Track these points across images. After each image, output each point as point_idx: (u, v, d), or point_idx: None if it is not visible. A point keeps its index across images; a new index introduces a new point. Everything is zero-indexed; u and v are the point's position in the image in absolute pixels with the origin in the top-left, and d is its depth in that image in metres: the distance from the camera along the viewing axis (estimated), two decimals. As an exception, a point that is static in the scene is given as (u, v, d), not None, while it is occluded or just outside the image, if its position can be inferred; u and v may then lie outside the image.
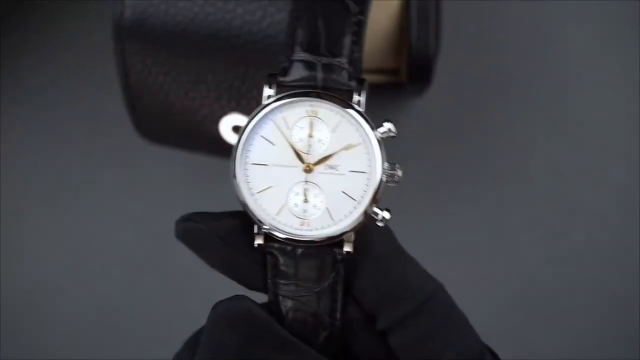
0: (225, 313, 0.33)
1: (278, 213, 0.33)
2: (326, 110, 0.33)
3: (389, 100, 0.63)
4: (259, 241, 0.33)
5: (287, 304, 0.33)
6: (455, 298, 0.34)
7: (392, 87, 0.62)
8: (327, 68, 0.33)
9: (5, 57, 0.65)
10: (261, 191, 0.33)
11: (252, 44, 0.51)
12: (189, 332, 0.59)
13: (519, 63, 0.66)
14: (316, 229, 0.32)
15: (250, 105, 0.54)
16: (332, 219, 0.32)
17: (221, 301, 0.34)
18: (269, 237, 0.33)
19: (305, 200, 0.33)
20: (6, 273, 0.60)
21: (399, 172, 0.33)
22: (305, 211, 0.32)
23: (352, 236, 0.32)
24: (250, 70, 0.52)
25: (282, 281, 0.33)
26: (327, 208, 0.32)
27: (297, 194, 0.32)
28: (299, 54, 0.33)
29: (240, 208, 0.33)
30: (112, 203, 0.62)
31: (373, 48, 0.59)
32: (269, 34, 0.51)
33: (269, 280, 0.33)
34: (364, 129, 0.33)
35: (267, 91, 0.33)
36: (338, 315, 0.33)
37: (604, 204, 0.62)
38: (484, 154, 0.64)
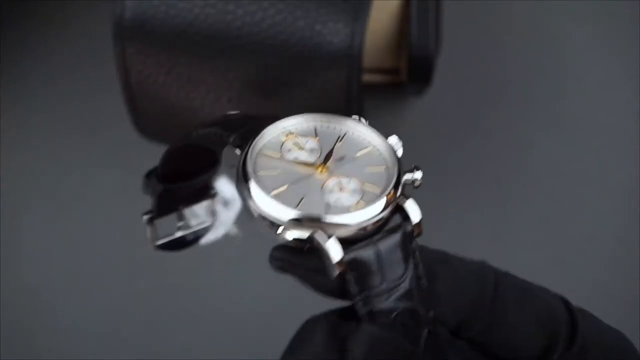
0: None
1: (326, 212, 0.30)
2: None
3: (389, 100, 0.63)
4: (338, 256, 0.29)
5: (386, 308, 0.30)
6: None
7: (392, 87, 0.62)
8: None
9: (6, 57, 0.65)
10: (298, 205, 0.30)
11: (252, 45, 0.51)
12: (188, 331, 0.59)
13: (519, 63, 0.66)
14: (370, 203, 0.30)
15: (250, 105, 0.54)
16: (376, 191, 0.31)
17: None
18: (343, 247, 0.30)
19: (341, 189, 0.31)
20: (6, 273, 0.60)
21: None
22: (348, 200, 0.31)
23: (418, 215, 0.31)
24: (250, 71, 0.52)
25: (372, 286, 0.30)
26: (364, 187, 0.31)
27: (331, 191, 0.31)
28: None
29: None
30: (112, 203, 0.62)
31: (373, 48, 0.59)
32: (269, 35, 0.51)
33: (358, 302, 0.30)
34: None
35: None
36: (430, 307, 0.31)
37: (604, 204, 0.62)
38: (484, 154, 0.64)
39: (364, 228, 0.30)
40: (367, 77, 0.60)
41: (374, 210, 0.30)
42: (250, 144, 0.32)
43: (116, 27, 0.53)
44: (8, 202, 0.62)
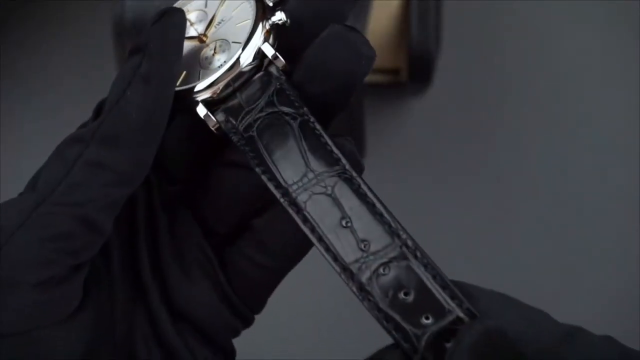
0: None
1: (200, 78, 0.32)
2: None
3: (389, 100, 0.63)
4: (215, 125, 0.32)
5: (248, 123, 0.32)
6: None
7: (392, 87, 0.62)
8: None
9: (6, 58, 0.65)
10: (181, 80, 0.33)
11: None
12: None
13: (519, 63, 0.66)
14: (235, 54, 0.32)
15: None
16: (240, 42, 0.33)
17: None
18: (212, 110, 0.32)
19: (214, 53, 0.33)
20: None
21: None
22: (219, 59, 0.33)
23: (274, 54, 0.32)
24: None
25: (238, 118, 0.32)
26: (232, 42, 0.33)
27: (205, 58, 0.33)
28: None
29: None
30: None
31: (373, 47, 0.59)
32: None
33: (233, 138, 0.32)
34: None
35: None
36: (298, 104, 0.32)
37: (604, 204, 0.62)
38: (484, 154, 0.64)
39: (229, 85, 0.32)
40: (367, 77, 0.60)
41: (230, 66, 0.32)
42: None
43: (116, 27, 0.53)
44: (8, 202, 0.62)
